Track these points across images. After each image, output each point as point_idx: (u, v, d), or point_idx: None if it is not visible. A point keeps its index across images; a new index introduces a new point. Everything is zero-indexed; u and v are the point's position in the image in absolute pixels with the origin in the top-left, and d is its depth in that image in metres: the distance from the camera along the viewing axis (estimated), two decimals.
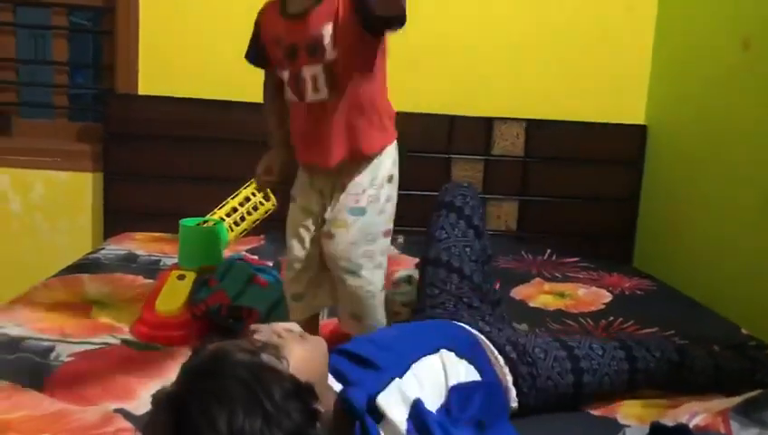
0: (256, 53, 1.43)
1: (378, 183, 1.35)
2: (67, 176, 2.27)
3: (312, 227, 1.38)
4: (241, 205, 1.86)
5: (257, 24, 1.41)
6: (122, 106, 2.22)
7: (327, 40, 1.27)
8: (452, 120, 2.27)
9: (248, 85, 2.17)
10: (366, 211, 1.34)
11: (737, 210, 1.83)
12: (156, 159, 2.22)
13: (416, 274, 1.53)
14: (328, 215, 1.34)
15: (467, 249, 1.39)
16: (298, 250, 1.38)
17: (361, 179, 1.34)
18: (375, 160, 1.36)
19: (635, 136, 2.32)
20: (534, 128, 2.28)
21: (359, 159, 1.34)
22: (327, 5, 1.28)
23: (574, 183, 2.33)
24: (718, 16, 1.94)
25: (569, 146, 2.31)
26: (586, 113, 2.28)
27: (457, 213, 1.41)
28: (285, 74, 1.34)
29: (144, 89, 2.24)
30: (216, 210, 1.84)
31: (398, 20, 1.20)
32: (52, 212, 2.28)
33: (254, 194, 1.88)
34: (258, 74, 2.22)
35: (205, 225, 1.75)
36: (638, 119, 2.34)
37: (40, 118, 2.41)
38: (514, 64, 2.26)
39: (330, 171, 1.34)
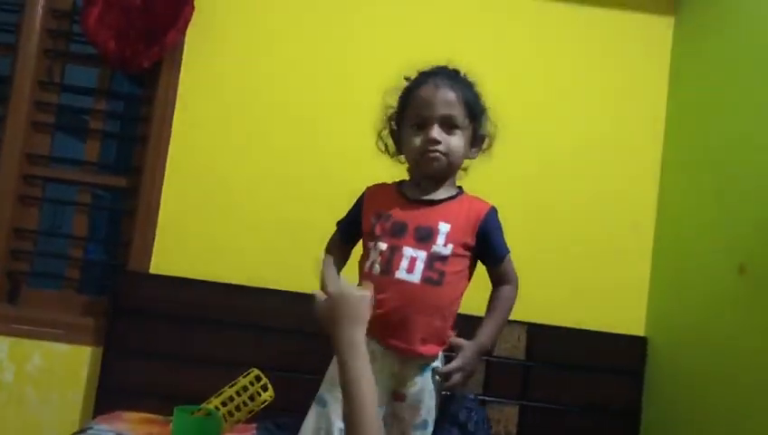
0: (348, 225, 1.50)
1: (431, 392, 1.36)
2: (66, 348, 2.25)
3: (341, 427, 1.35)
4: (238, 394, 1.84)
5: (363, 197, 1.50)
6: (132, 283, 2.26)
7: (440, 236, 1.34)
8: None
9: (258, 271, 2.27)
10: (428, 425, 1.34)
11: (741, 425, 1.79)
12: (158, 339, 2.21)
13: None
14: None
15: None
16: None
17: (422, 390, 1.34)
18: (431, 365, 1.37)
19: (635, 347, 2.33)
20: (536, 332, 2.29)
21: (424, 358, 1.35)
22: (456, 210, 1.40)
23: (576, 390, 2.30)
24: (715, 240, 2.03)
25: (570, 353, 2.31)
26: (588, 322, 2.31)
27: (460, 429, 1.39)
28: (381, 246, 1.37)
29: (155, 268, 2.30)
30: (212, 398, 1.81)
31: None
32: (44, 384, 2.24)
33: (251, 383, 1.86)
34: (271, 261, 2.31)
35: (199, 413, 1.72)
36: (639, 330, 2.36)
37: (49, 288, 2.44)
38: (518, 269, 2.32)
39: (400, 358, 1.33)
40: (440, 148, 1.38)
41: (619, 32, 2.45)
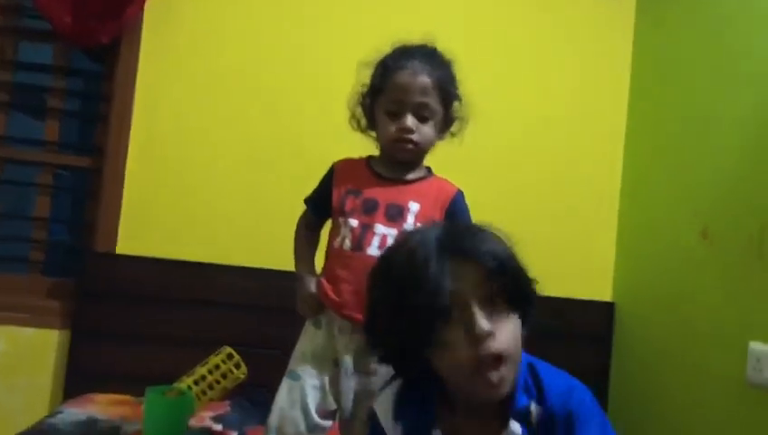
0: (318, 201, 1.49)
1: None
2: (33, 332, 2.22)
3: (317, 399, 1.37)
4: (210, 373, 1.83)
5: (331, 171, 1.48)
6: (98, 264, 2.22)
7: (410, 214, 1.35)
8: None
9: (226, 249, 2.25)
10: None
11: (706, 384, 1.84)
12: (127, 320, 2.19)
13: None
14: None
15: None
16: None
17: None
18: None
19: (603, 313, 2.38)
20: None
21: None
22: (426, 190, 1.41)
23: (545, 356, 2.31)
24: (678, 206, 2.06)
25: (539, 320, 2.33)
26: (556, 289, 2.34)
27: None
28: (352, 223, 1.37)
29: (122, 248, 2.26)
30: (184, 378, 1.80)
31: None
32: (11, 370, 2.20)
33: (224, 362, 1.86)
34: (238, 239, 2.29)
35: (172, 393, 1.71)
36: (606, 296, 2.41)
37: (13, 272, 2.39)
38: None
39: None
40: (413, 137, 1.39)
41: (582, 2, 2.45)
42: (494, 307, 0.94)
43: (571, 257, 2.39)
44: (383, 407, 1.09)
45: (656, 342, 2.13)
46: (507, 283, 0.95)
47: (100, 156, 2.30)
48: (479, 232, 1.00)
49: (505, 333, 0.93)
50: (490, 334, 0.91)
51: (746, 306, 1.69)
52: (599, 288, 2.40)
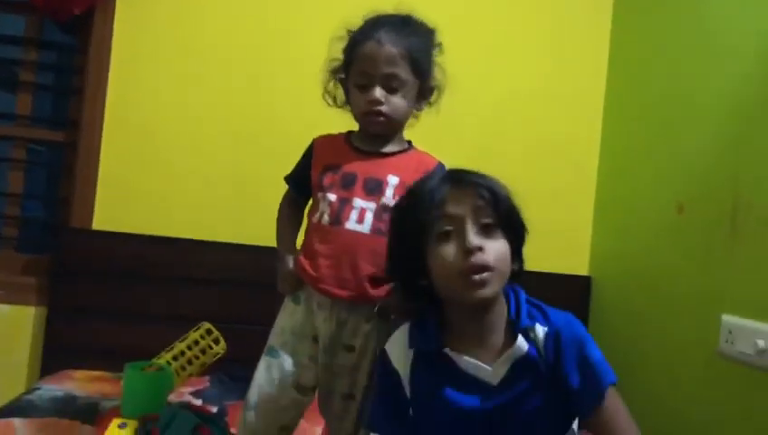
0: (299, 178, 1.47)
1: (377, 336, 1.36)
2: (8, 309, 2.20)
3: (296, 376, 1.38)
4: (189, 348, 1.82)
5: (311, 148, 1.46)
6: (74, 240, 2.20)
7: (389, 188, 1.32)
8: None
9: (204, 224, 2.24)
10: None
11: (680, 356, 1.88)
12: (104, 296, 2.17)
13: None
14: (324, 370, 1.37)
15: None
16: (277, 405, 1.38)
17: (369, 338, 1.35)
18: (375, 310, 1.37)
19: (580, 286, 2.41)
20: None
21: (371, 303, 1.35)
22: (405, 163, 1.38)
23: None
24: (655, 182, 2.08)
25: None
26: (533, 263, 2.34)
27: None
28: (331, 197, 1.35)
29: (98, 224, 2.24)
30: (163, 353, 1.79)
31: None
32: None
33: (203, 337, 1.85)
34: (217, 214, 2.28)
35: (151, 368, 1.70)
36: (583, 270, 2.43)
37: None
38: None
39: (347, 303, 1.34)
40: (382, 109, 1.35)
41: None
42: (486, 231, 1.10)
43: (549, 231, 2.39)
44: (396, 343, 1.19)
45: (631, 315, 2.17)
46: (500, 211, 1.12)
47: (75, 130, 2.27)
48: (480, 173, 1.17)
49: (493, 250, 1.08)
50: (480, 248, 1.07)
51: (720, 280, 1.72)
52: (576, 262, 2.43)
